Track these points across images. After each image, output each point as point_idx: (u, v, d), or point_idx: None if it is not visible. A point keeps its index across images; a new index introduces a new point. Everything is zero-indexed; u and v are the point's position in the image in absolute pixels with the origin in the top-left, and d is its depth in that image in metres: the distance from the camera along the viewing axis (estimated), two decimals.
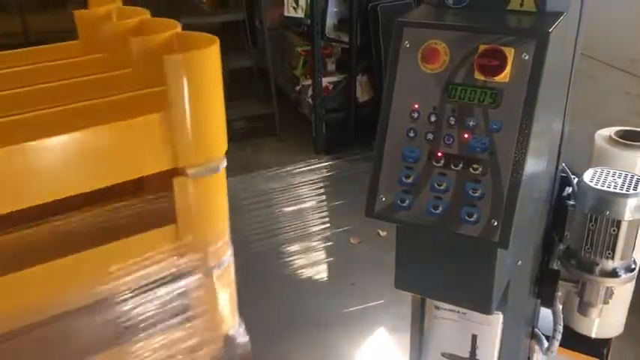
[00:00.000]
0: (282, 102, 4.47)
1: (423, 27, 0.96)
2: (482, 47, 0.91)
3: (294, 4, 4.20)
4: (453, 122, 0.93)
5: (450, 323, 1.15)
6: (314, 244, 3.26)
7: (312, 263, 3.10)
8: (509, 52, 0.89)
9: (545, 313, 1.36)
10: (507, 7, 0.99)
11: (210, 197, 1.31)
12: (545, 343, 1.34)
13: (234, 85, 4.54)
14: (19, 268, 1.10)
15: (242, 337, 1.44)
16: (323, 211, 3.50)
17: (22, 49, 1.44)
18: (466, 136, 0.92)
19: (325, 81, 4.19)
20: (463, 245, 0.96)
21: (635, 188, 1.13)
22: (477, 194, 0.90)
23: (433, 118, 0.94)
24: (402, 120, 0.96)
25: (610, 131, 1.33)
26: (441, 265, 1.02)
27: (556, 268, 1.30)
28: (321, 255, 3.18)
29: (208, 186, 1.28)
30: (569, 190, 1.27)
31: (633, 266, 1.20)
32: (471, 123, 0.91)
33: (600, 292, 1.21)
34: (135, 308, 1.24)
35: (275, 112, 4.32)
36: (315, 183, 3.77)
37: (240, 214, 3.36)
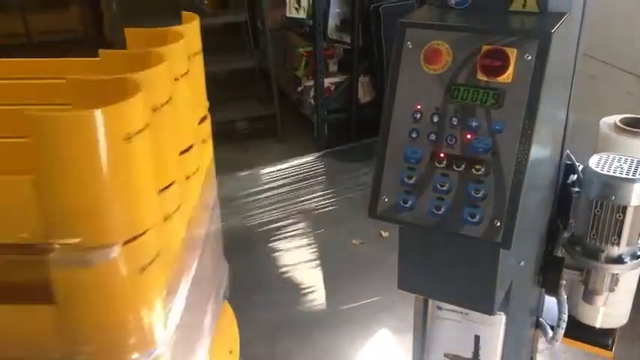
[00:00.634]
0: (284, 103, 4.47)
1: (426, 28, 0.96)
2: (484, 48, 0.91)
3: (296, 5, 4.20)
4: (455, 123, 0.93)
5: (453, 324, 1.15)
6: (316, 244, 3.26)
7: (313, 264, 3.10)
8: (512, 53, 0.89)
9: (550, 303, 1.35)
10: (510, 8, 0.99)
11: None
12: (550, 333, 1.33)
13: (236, 86, 4.54)
14: None
15: None
16: (324, 212, 3.50)
17: None
18: (469, 136, 0.92)
19: (327, 82, 4.19)
20: (465, 246, 0.96)
21: None
22: (479, 195, 0.90)
23: (435, 119, 0.94)
24: (405, 121, 0.96)
25: (614, 119, 1.32)
26: (443, 265, 1.02)
27: (561, 255, 1.29)
28: (322, 256, 3.18)
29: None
30: (573, 177, 1.26)
31: (639, 253, 1.19)
32: (474, 124, 0.91)
33: (606, 279, 1.20)
34: None
35: (277, 112, 4.32)
36: (317, 184, 3.77)
37: (239, 215, 3.37)
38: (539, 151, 0.94)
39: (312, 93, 4.23)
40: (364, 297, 2.75)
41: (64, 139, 1.00)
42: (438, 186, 0.93)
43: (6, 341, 1.13)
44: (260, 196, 3.62)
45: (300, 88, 4.45)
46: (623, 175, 1.11)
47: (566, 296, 1.30)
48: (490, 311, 1.02)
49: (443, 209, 0.93)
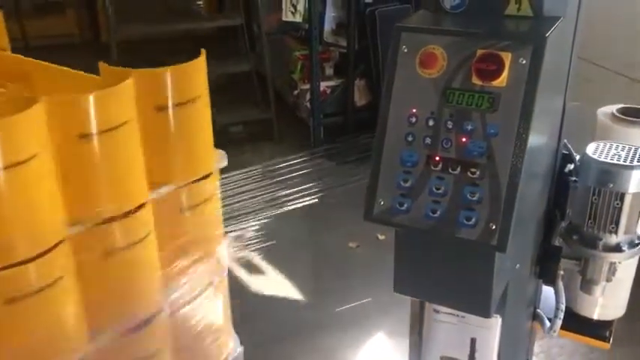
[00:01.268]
0: (280, 106, 4.47)
1: (421, 32, 0.97)
2: (479, 52, 0.91)
3: (292, 9, 4.20)
4: (450, 127, 0.93)
5: (449, 326, 1.15)
6: (312, 248, 3.26)
7: (310, 267, 3.09)
8: (507, 57, 0.90)
9: (548, 294, 1.34)
10: (505, 12, 0.99)
11: None
12: (548, 324, 1.33)
13: (232, 89, 4.54)
14: None
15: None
16: (321, 215, 3.50)
17: None
18: (464, 140, 0.92)
19: (323, 85, 4.20)
20: (461, 249, 0.97)
21: None
22: (474, 198, 0.91)
23: (431, 123, 0.94)
24: (400, 124, 0.96)
25: (612, 108, 1.32)
26: (439, 268, 1.02)
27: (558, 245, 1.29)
28: (319, 259, 3.18)
29: None
30: (570, 166, 1.26)
31: (637, 241, 1.19)
32: (469, 127, 0.92)
33: (603, 269, 1.20)
34: None
35: (273, 116, 4.32)
36: (313, 187, 3.77)
37: (237, 216, 3.37)
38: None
39: (308, 96, 4.24)
40: (360, 299, 2.75)
41: None
42: (434, 189, 0.94)
43: None
44: (255, 198, 3.61)
45: (296, 92, 4.45)
46: (621, 162, 1.11)
47: (563, 288, 1.29)
48: (486, 314, 1.02)
49: (439, 212, 0.93)
